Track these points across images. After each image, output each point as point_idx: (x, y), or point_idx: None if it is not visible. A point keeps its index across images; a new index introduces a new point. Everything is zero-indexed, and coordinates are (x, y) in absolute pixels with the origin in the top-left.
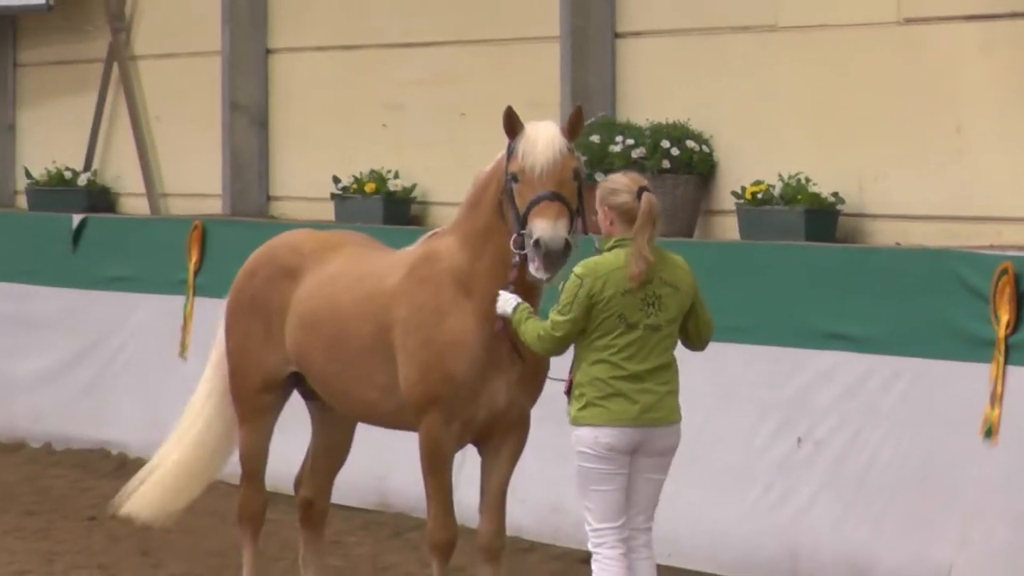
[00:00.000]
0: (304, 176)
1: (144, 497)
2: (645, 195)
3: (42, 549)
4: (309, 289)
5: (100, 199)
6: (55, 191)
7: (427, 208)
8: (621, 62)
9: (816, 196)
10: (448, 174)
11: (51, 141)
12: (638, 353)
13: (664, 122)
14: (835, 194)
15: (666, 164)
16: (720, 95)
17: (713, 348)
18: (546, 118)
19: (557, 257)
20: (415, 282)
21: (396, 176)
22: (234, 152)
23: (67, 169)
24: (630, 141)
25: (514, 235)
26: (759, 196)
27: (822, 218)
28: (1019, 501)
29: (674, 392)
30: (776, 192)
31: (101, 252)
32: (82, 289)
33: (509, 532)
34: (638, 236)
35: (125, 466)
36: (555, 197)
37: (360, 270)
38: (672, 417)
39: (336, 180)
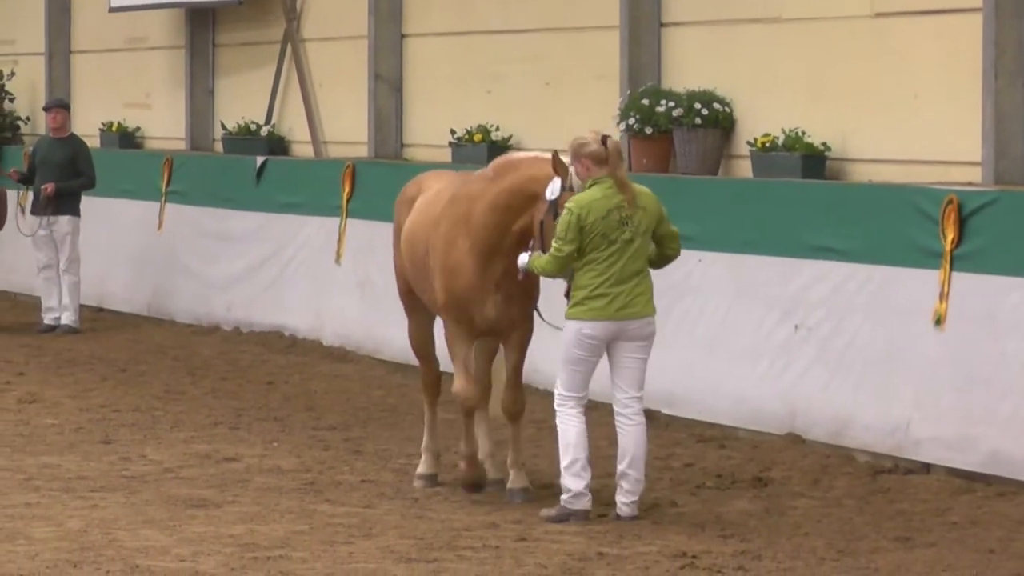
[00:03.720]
0: (429, 129)
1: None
2: (610, 141)
3: (232, 406)
4: (410, 216)
5: (277, 145)
6: (244, 139)
7: None
8: (665, 45)
9: (810, 145)
10: (535, 127)
11: (241, 102)
12: (617, 262)
13: (696, 89)
14: (824, 143)
15: (698, 121)
16: (738, 69)
17: (733, 258)
18: (609, 88)
19: None
20: (442, 218)
21: (497, 129)
22: (377, 111)
23: (252, 123)
24: (671, 104)
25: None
26: (767, 145)
27: (814, 162)
28: (960, 372)
29: (644, 293)
30: (780, 142)
31: (278, 184)
32: (264, 212)
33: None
34: (618, 171)
35: (295, 344)
36: None
37: (431, 201)
38: (643, 312)
39: (452, 132)
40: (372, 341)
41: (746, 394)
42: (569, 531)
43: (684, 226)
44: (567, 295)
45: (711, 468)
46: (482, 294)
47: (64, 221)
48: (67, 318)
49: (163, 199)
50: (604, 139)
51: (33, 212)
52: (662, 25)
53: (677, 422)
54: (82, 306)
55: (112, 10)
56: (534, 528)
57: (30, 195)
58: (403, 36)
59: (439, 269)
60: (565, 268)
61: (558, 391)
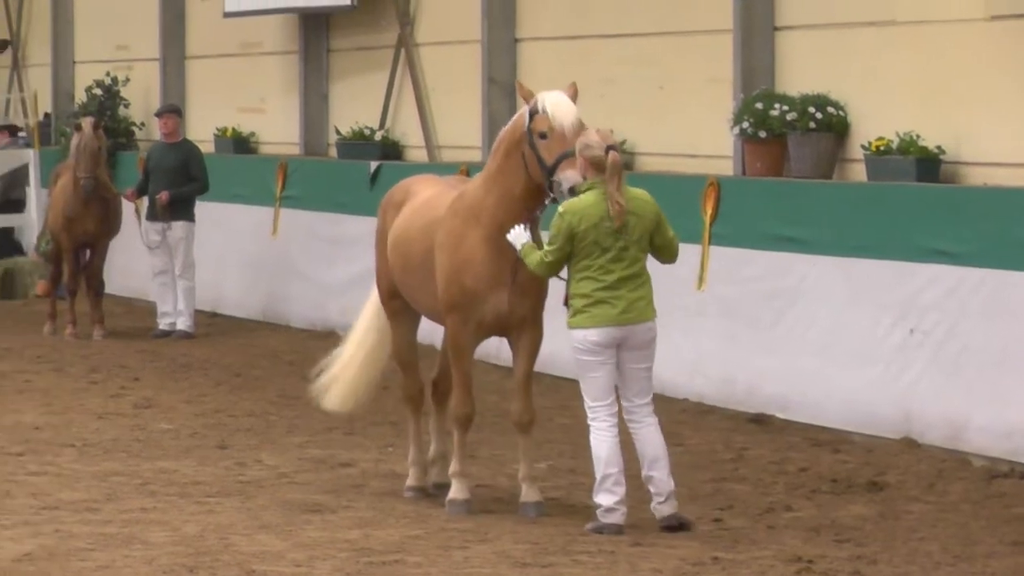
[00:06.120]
0: None
1: (337, 391)
2: (611, 153)
3: (347, 410)
4: (399, 219)
5: (391, 150)
6: (357, 144)
7: (633, 157)
8: (779, 48)
9: (924, 148)
10: (649, 131)
11: (354, 107)
12: (614, 270)
13: (810, 93)
14: (939, 147)
15: (812, 125)
16: (852, 72)
17: (845, 261)
18: (722, 92)
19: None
20: (449, 214)
21: (611, 133)
22: (490, 115)
23: (366, 128)
24: (785, 107)
25: (547, 183)
26: (881, 148)
27: (928, 165)
28: None
29: (644, 297)
30: (894, 145)
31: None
32: (375, 217)
33: (693, 400)
34: (609, 186)
35: None
36: (574, 153)
37: (429, 204)
38: (644, 316)
39: None
40: (487, 346)
41: (860, 398)
42: (683, 536)
43: (798, 230)
44: (566, 303)
45: (826, 472)
46: (495, 286)
47: (179, 226)
48: (182, 323)
49: (277, 204)
50: (608, 149)
51: (148, 218)
52: (775, 29)
53: (791, 426)
54: (197, 311)
55: (226, 15)
56: (648, 533)
57: (145, 201)
58: (516, 40)
59: (447, 265)
60: (552, 273)
61: (586, 404)
